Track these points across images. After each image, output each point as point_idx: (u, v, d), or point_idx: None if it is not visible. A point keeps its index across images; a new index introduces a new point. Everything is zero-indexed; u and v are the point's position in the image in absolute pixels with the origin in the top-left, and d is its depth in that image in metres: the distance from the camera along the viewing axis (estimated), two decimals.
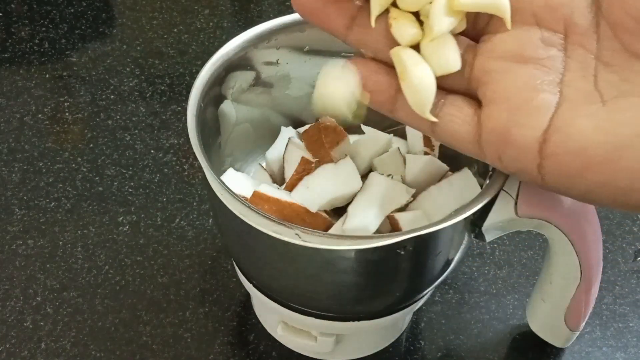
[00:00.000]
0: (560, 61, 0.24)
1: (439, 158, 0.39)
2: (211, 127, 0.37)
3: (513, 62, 0.24)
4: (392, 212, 0.35)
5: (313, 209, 0.35)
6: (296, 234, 0.29)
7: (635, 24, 0.22)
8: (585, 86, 0.23)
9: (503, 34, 0.25)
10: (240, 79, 0.38)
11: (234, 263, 0.40)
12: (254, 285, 0.38)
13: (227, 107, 0.38)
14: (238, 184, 0.36)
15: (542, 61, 0.24)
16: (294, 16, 0.38)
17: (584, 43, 0.24)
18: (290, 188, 0.36)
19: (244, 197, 0.35)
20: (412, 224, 0.34)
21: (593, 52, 0.23)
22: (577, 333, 0.41)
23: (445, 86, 0.26)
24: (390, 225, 0.35)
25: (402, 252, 0.31)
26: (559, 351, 0.43)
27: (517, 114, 0.24)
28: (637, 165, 0.21)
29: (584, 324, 0.40)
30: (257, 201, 0.34)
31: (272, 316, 0.41)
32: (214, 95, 0.36)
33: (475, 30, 0.26)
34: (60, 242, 0.47)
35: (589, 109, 0.22)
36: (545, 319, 0.41)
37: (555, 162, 0.23)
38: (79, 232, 0.48)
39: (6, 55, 0.62)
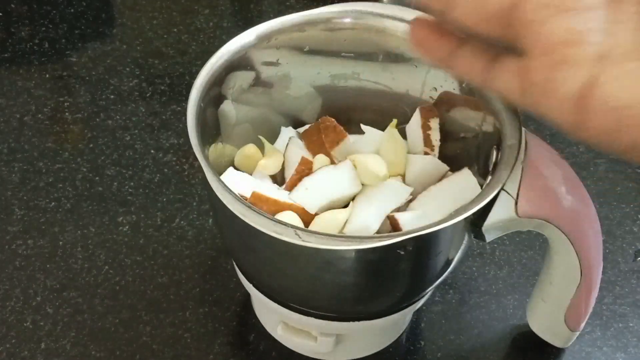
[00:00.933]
0: (603, 11, 0.23)
1: (439, 158, 0.39)
2: (211, 127, 0.37)
3: (553, 12, 0.23)
4: (392, 212, 0.35)
5: (312, 210, 0.35)
6: (296, 234, 0.29)
7: None
8: (628, 39, 0.23)
9: None
10: (240, 79, 0.38)
11: (234, 263, 0.40)
12: (254, 286, 0.38)
13: (227, 107, 0.38)
14: (238, 184, 0.36)
15: (583, 11, 0.23)
16: (294, 16, 0.38)
17: None
18: (290, 188, 0.36)
19: (243, 196, 0.35)
20: (412, 224, 0.34)
21: (636, 2, 0.23)
22: (577, 333, 0.41)
23: (486, 36, 0.26)
24: (391, 225, 0.35)
25: (402, 252, 0.31)
26: (559, 351, 0.43)
27: (556, 69, 0.23)
28: None
29: (584, 324, 0.40)
30: (256, 202, 0.34)
31: (272, 316, 0.41)
32: (214, 95, 0.36)
33: None
34: (60, 242, 0.47)
35: (628, 66, 0.22)
36: (545, 319, 0.41)
37: (592, 119, 0.23)
38: (78, 232, 0.48)
39: (6, 55, 0.61)
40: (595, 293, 0.38)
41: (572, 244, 0.35)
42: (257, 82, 0.39)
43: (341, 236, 0.30)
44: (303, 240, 0.29)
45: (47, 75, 0.60)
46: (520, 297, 0.45)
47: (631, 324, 0.44)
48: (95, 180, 0.51)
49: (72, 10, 0.66)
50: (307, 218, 0.35)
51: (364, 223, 0.34)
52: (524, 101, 0.26)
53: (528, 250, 0.48)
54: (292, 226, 0.29)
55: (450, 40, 0.28)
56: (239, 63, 0.37)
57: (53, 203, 0.50)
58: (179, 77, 0.60)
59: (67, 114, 0.56)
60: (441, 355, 0.43)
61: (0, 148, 0.53)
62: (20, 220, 0.48)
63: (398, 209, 0.36)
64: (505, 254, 0.48)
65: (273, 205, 0.34)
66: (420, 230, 0.30)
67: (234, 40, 0.37)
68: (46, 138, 0.54)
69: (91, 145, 0.54)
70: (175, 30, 0.65)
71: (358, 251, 0.31)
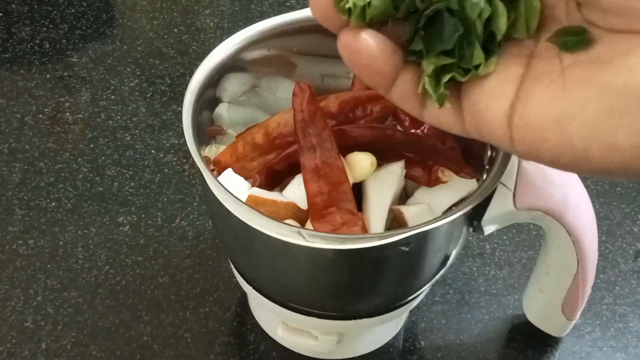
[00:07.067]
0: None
1: None
2: (207, 129, 0.37)
3: None
4: (397, 205, 0.35)
5: (304, 206, 0.35)
6: (299, 234, 0.29)
7: None
8: (550, 53, 0.23)
9: None
10: (234, 81, 0.38)
11: (233, 266, 0.40)
12: (254, 288, 0.38)
13: (221, 109, 0.38)
14: (235, 186, 0.36)
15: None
16: (284, 17, 0.38)
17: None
18: (283, 186, 0.36)
19: (241, 197, 0.35)
20: (417, 218, 0.34)
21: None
22: (574, 322, 0.41)
23: None
24: (396, 218, 0.35)
25: (404, 249, 0.31)
26: (559, 352, 0.43)
27: (486, 90, 0.24)
28: (584, 134, 0.22)
29: (580, 313, 0.40)
30: (253, 204, 0.34)
31: (270, 318, 0.41)
32: (209, 97, 0.36)
33: None
34: (61, 242, 0.47)
35: (549, 78, 0.23)
36: (542, 309, 0.41)
37: (520, 134, 0.23)
38: (79, 232, 0.48)
39: (7, 55, 0.62)
40: (591, 282, 0.39)
41: (569, 234, 0.35)
42: (250, 83, 0.39)
43: (343, 236, 0.30)
44: (307, 241, 0.29)
45: (48, 76, 0.60)
46: (521, 297, 0.45)
47: (631, 324, 0.44)
48: (95, 181, 0.51)
49: (72, 11, 0.66)
50: (301, 214, 0.35)
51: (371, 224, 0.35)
52: (462, 130, 0.26)
53: (528, 250, 0.48)
54: (296, 227, 0.29)
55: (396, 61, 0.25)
56: (232, 64, 0.37)
57: (54, 203, 0.50)
58: (179, 77, 0.60)
59: (67, 114, 0.57)
60: (441, 355, 0.43)
61: (1, 148, 0.53)
62: (21, 220, 0.48)
63: (402, 203, 0.36)
64: (506, 254, 0.48)
65: (269, 207, 0.34)
66: (421, 227, 0.30)
67: (225, 43, 0.37)
68: (47, 138, 0.54)
69: (92, 146, 0.54)
70: (175, 30, 0.65)
71: (360, 250, 0.31)
